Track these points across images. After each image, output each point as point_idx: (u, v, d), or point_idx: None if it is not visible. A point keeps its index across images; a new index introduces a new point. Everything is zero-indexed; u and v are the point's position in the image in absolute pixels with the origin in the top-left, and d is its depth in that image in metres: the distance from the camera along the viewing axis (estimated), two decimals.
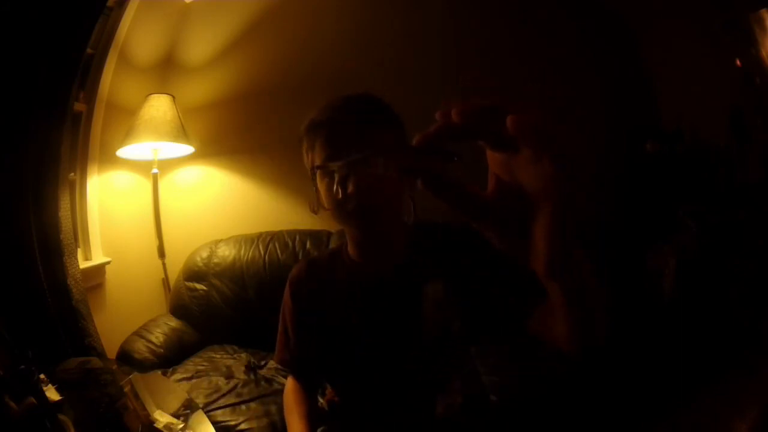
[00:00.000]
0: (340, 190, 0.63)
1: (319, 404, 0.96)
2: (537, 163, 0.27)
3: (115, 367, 1.06)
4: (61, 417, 0.68)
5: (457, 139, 0.28)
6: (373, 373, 0.76)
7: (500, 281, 0.65)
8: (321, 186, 0.69)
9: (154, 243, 1.99)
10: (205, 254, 1.89)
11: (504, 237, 0.32)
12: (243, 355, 1.64)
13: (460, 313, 0.70)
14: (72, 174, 1.77)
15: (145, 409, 0.87)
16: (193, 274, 1.86)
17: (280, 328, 0.87)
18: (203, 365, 1.56)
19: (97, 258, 1.85)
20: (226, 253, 1.87)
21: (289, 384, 0.90)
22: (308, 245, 1.82)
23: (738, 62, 1.41)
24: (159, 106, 1.85)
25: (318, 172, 0.68)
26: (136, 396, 0.89)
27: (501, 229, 0.32)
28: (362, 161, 0.34)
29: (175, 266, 1.98)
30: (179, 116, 1.89)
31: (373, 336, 0.74)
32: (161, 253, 2.00)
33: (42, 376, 0.72)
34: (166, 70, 2.15)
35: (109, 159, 1.92)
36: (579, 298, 0.37)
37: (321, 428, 0.86)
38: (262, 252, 1.84)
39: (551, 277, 0.34)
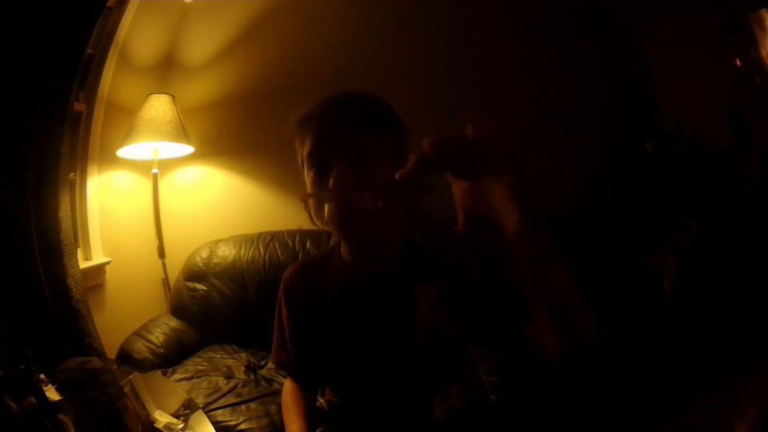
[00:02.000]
0: (329, 216, 0.63)
1: (319, 404, 0.96)
2: (499, 178, 0.29)
3: (115, 367, 1.05)
4: (61, 417, 0.68)
5: (430, 173, 0.31)
6: (368, 375, 0.76)
7: (495, 286, 0.65)
8: (311, 205, 0.68)
9: (154, 243, 1.99)
10: (205, 254, 1.89)
11: (481, 268, 0.34)
12: (243, 355, 1.64)
13: (453, 317, 0.69)
14: (72, 174, 1.77)
15: (145, 409, 0.87)
16: (193, 274, 1.86)
17: (276, 329, 0.87)
18: (203, 365, 1.56)
19: (97, 258, 1.85)
20: (226, 253, 1.87)
21: (287, 384, 0.90)
22: (308, 245, 1.82)
23: (738, 62, 1.41)
24: (159, 106, 1.85)
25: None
26: (136, 396, 0.89)
27: (477, 260, 0.34)
28: (348, 195, 0.38)
29: (175, 266, 1.98)
30: (179, 116, 1.89)
31: (366, 339, 0.74)
32: (161, 253, 2.00)
33: (42, 376, 0.72)
34: (166, 70, 2.15)
35: (109, 159, 1.92)
36: (564, 314, 0.38)
37: (320, 429, 0.86)
38: (262, 252, 1.84)
39: (536, 299, 0.35)
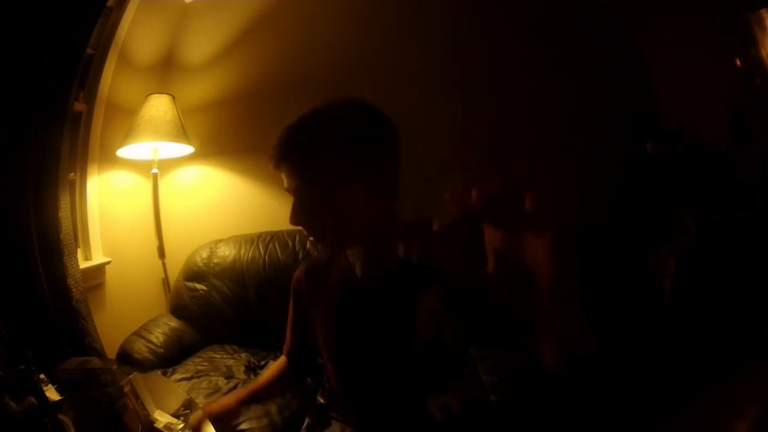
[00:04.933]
0: None
1: (318, 402, 0.96)
2: (539, 237, 0.32)
3: (115, 367, 1.05)
4: (61, 417, 0.68)
5: (471, 223, 0.34)
6: (368, 375, 0.76)
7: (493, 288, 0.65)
8: None
9: (154, 243, 1.99)
10: (205, 254, 1.89)
11: (506, 303, 0.37)
12: (243, 355, 1.64)
13: (453, 317, 0.69)
14: (72, 174, 1.77)
15: (145, 409, 0.87)
16: (193, 274, 1.86)
17: (288, 327, 0.92)
18: (203, 365, 1.56)
19: (97, 258, 1.85)
20: (226, 253, 1.87)
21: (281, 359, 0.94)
22: (308, 245, 1.82)
23: (738, 62, 1.40)
24: (159, 106, 1.85)
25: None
26: (136, 396, 0.89)
27: (503, 298, 0.37)
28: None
29: (175, 266, 1.98)
30: (179, 116, 1.89)
31: (366, 339, 0.74)
32: (161, 253, 2.00)
33: (42, 376, 0.72)
34: (166, 70, 2.15)
35: (109, 159, 1.92)
36: (560, 329, 0.40)
37: (307, 417, 0.88)
38: (262, 252, 1.84)
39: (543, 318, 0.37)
